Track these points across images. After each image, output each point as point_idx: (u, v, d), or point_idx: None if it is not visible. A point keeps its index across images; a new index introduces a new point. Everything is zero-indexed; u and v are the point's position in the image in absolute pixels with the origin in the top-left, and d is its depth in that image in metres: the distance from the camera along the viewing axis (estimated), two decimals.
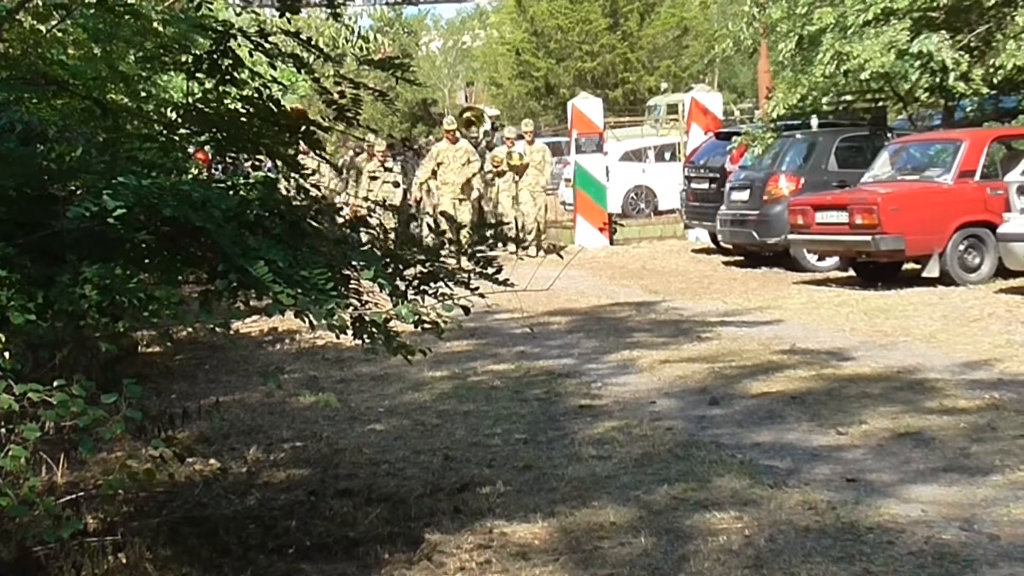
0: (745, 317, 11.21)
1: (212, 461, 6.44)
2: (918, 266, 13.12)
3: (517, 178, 20.13)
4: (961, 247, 12.91)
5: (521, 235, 18.26)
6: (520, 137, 21.19)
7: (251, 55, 5.50)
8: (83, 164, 4.40)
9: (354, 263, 4.44)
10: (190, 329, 4.26)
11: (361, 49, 22.56)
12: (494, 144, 22.57)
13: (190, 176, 5.13)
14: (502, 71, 47.78)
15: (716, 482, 5.59)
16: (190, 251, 4.32)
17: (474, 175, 19.65)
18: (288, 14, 5.63)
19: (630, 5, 43.24)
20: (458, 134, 20.04)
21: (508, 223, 19.04)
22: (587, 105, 21.55)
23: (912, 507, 5.07)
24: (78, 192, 4.10)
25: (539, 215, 20.17)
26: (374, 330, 4.30)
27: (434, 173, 19.28)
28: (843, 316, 11.01)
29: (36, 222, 4.07)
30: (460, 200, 18.97)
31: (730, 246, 17.43)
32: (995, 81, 16.07)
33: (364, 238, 4.84)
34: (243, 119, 5.24)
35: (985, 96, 16.79)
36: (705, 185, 18.49)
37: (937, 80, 16.18)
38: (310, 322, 4.02)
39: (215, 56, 5.14)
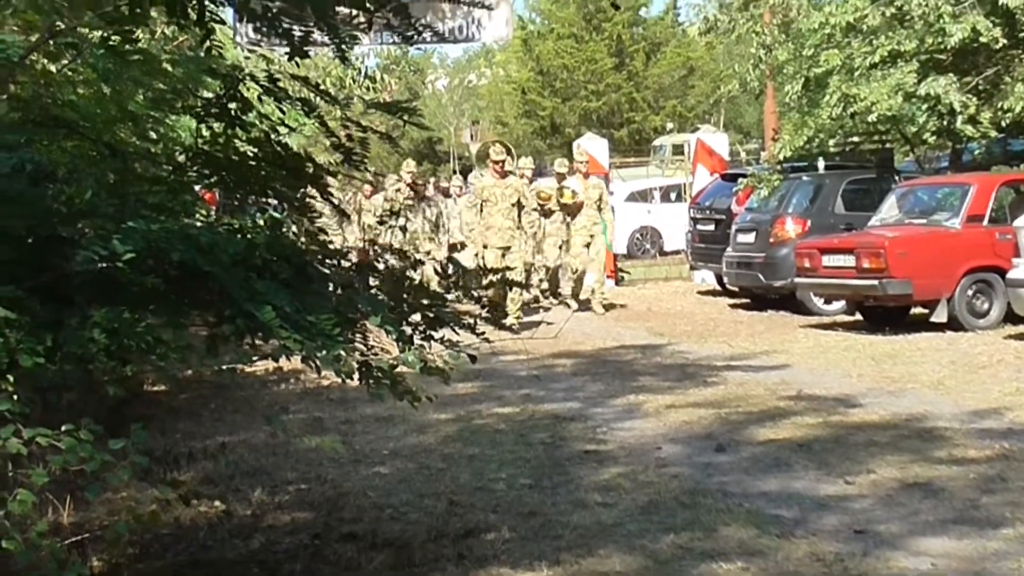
0: (751, 361, 11.17)
1: (217, 503, 6.40)
2: (926, 310, 13.08)
3: (569, 219, 16.77)
4: (969, 292, 12.87)
5: (573, 290, 16.76)
6: (569, 173, 17.65)
7: (260, 100, 5.52)
8: (93, 207, 4.40)
9: (361, 308, 4.43)
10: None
11: (368, 89, 22.71)
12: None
13: (198, 219, 5.14)
14: (508, 110, 47.95)
15: (722, 531, 5.54)
16: (197, 294, 4.31)
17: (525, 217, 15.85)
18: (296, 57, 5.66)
19: (636, 45, 43.43)
20: (508, 166, 15.74)
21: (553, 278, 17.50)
22: (593, 145, 21.58)
23: (922, 560, 5.02)
24: (87, 234, 4.10)
25: (598, 265, 16.59)
26: (380, 375, 4.29)
27: (478, 213, 15.17)
28: (850, 361, 10.97)
29: (45, 264, 4.07)
30: (509, 249, 14.75)
31: (736, 288, 17.40)
32: (1003, 124, 16.10)
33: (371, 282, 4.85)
34: (251, 162, 5.24)
35: (993, 139, 16.81)
36: (711, 227, 18.48)
37: (944, 123, 16.21)
38: (316, 367, 4.00)
39: (224, 100, 5.15)
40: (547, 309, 17.00)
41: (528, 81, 44.80)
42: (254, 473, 7.13)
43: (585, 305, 16.52)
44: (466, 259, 14.93)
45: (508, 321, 13.21)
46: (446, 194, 19.76)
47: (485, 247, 14.69)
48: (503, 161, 15.32)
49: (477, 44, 39.98)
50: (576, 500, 6.26)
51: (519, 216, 15.01)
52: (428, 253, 13.50)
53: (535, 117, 44.35)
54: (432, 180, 18.22)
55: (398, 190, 17.40)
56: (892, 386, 9.42)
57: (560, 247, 17.20)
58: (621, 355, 12.13)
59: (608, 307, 16.48)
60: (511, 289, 14.98)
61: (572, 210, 16.56)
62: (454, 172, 20.11)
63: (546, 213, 17.01)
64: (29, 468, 3.65)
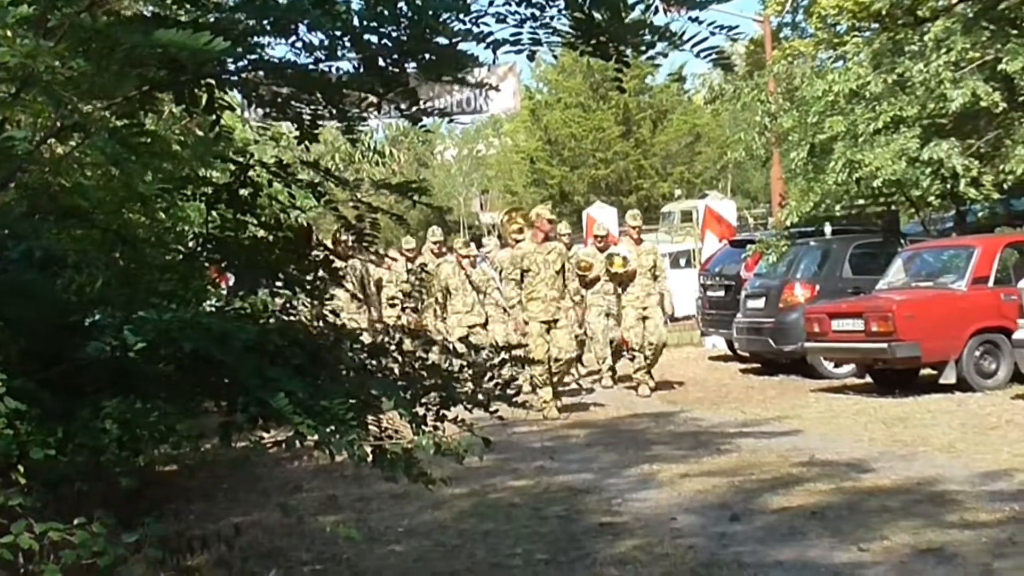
0: (763, 428, 11.18)
1: None
2: (935, 372, 13.11)
3: (620, 290, 14.96)
4: (977, 353, 12.93)
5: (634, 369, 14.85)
6: (607, 234, 16.27)
7: (270, 183, 5.62)
8: (103, 296, 4.47)
9: (374, 391, 4.49)
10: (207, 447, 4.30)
11: (376, 163, 22.84)
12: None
13: (210, 304, 5.21)
14: (517, 179, 48.20)
15: None
16: (210, 381, 4.38)
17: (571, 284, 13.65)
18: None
19: (642, 113, 43.76)
20: (550, 229, 13.47)
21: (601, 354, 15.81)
22: (601, 213, 21.71)
23: None
24: (98, 322, 4.16)
25: (657, 338, 14.67)
26: (394, 458, 4.34)
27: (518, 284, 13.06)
28: (861, 425, 10.97)
29: (56, 354, 4.13)
30: (555, 323, 12.96)
31: (747, 354, 17.43)
32: (1005, 186, 16.22)
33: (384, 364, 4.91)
34: (262, 247, 5.33)
35: (996, 201, 16.93)
36: (721, 293, 18.54)
37: (948, 186, 16.34)
38: (330, 451, 4.05)
39: (235, 186, 5.25)
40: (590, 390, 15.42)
41: (536, 150, 45.10)
42: (269, 554, 7.12)
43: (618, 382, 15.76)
44: (499, 335, 13.99)
45: (548, 412, 12.61)
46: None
47: (527, 322, 12.88)
48: (548, 221, 13.38)
49: (485, 115, 40.59)
50: (593, 575, 6.26)
51: (564, 285, 13.16)
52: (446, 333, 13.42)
53: (544, 186, 44.58)
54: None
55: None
56: (903, 449, 9.42)
57: (608, 316, 15.56)
58: (634, 424, 12.13)
59: (620, 377, 16.29)
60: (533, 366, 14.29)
61: (624, 280, 14.75)
62: (470, 241, 18.18)
63: (588, 283, 14.93)
64: (42, 564, 3.67)
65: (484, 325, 15.04)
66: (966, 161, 16.02)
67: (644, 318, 14.52)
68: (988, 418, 10.81)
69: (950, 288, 13.52)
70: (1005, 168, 15.78)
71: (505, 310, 14.66)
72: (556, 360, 12.86)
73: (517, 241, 13.92)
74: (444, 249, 15.99)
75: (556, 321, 12.87)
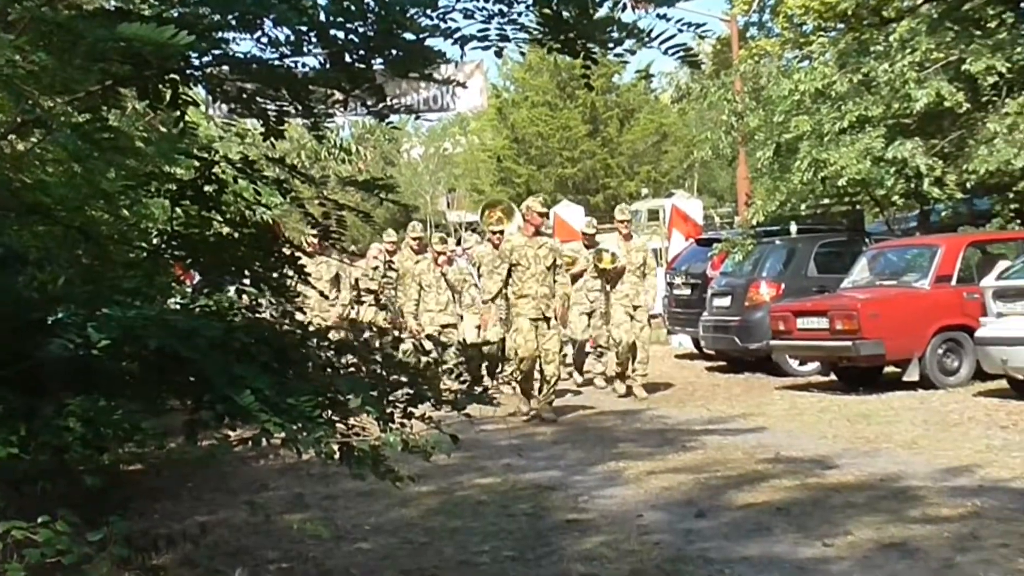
0: (729, 425, 11.24)
1: None
2: (898, 370, 13.22)
3: (608, 288, 14.43)
4: (940, 351, 13.07)
5: (620, 369, 14.36)
6: (595, 232, 15.63)
7: (235, 180, 5.58)
8: (66, 293, 4.43)
9: (341, 389, 4.47)
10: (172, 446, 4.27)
11: (342, 160, 22.76)
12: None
13: (175, 301, 5.17)
14: (483, 177, 48.15)
15: None
16: (175, 379, 4.35)
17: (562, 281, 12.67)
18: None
19: (609, 112, 43.83)
20: (540, 222, 12.77)
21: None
22: (568, 212, 21.71)
23: None
24: (61, 319, 4.12)
25: (640, 341, 14.12)
26: (361, 455, 4.33)
27: (506, 282, 12.43)
28: (826, 422, 11.05)
29: (18, 353, 4.08)
30: (543, 321, 12.27)
31: (713, 352, 17.50)
32: (968, 185, 16.36)
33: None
34: (227, 243, 5.30)
35: (959, 200, 17.06)
36: (687, 291, 18.61)
37: (912, 185, 16.47)
38: (297, 449, 4.03)
39: (199, 183, 5.22)
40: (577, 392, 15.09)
41: (503, 149, 45.09)
42: (235, 553, 7.08)
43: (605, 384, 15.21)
44: (470, 335, 13.94)
45: (546, 414, 12.24)
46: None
47: (516, 317, 12.33)
48: (540, 214, 12.64)
49: (452, 113, 40.52)
50: (560, 572, 6.26)
51: (555, 282, 12.46)
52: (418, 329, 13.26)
53: (511, 184, 44.56)
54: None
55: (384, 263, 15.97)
56: (867, 446, 9.50)
57: (590, 316, 15.19)
58: (601, 421, 12.16)
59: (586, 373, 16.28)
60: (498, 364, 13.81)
61: (612, 277, 14.25)
62: (447, 237, 17.48)
63: (572, 279, 13.91)
64: (5, 563, 3.63)
65: (456, 326, 14.80)
66: (930, 161, 16.15)
67: (632, 316, 14.05)
68: (950, 415, 10.92)
69: (914, 287, 13.63)
70: (968, 168, 15.91)
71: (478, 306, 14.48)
72: (546, 362, 12.25)
73: (495, 233, 13.95)
74: (424, 245, 15.76)
75: (548, 320, 12.28)
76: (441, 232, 16.56)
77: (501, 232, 14.19)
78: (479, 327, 14.15)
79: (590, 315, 15.15)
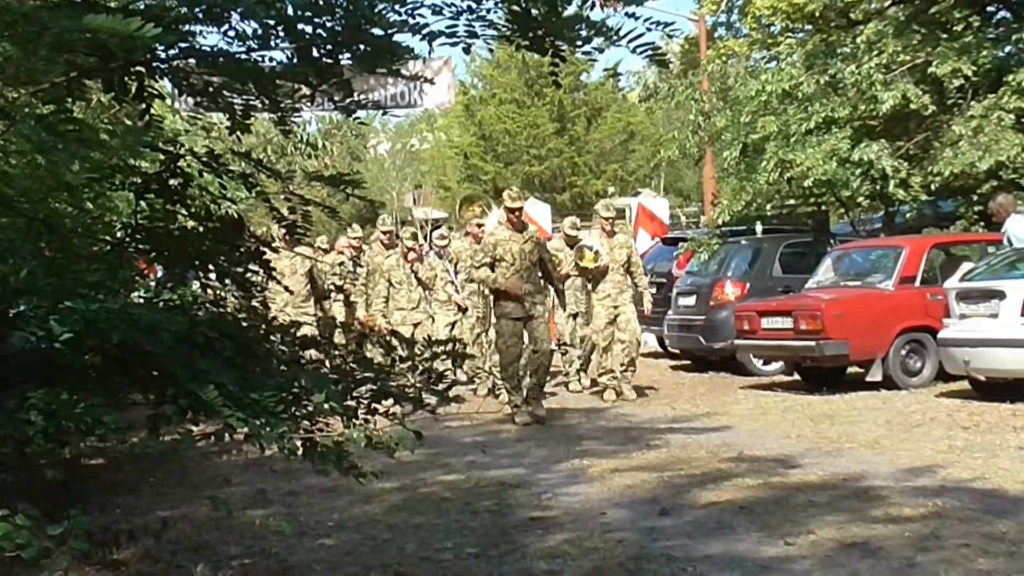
0: (693, 423, 11.28)
1: None
2: (862, 370, 13.30)
3: (590, 287, 13.92)
4: (903, 352, 13.16)
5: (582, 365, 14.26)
6: (578, 231, 15.22)
7: (200, 174, 5.55)
8: (29, 285, 4.40)
9: (305, 384, 4.46)
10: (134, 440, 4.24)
11: (309, 155, 22.66)
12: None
13: (138, 295, 5.14)
14: (450, 174, 48.11)
15: None
16: (138, 373, 4.32)
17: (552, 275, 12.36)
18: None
19: (577, 110, 43.90)
20: (526, 215, 12.39)
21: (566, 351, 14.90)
22: (535, 210, 21.70)
23: None
24: (24, 312, 4.09)
25: (633, 346, 13.74)
26: (325, 451, 4.31)
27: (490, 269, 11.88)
28: (789, 422, 11.10)
29: None
30: (529, 320, 11.80)
31: (677, 351, 17.55)
32: (933, 187, 16.47)
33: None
34: (192, 237, 5.27)
35: (924, 202, 17.18)
36: (652, 290, 18.63)
37: (877, 187, 16.57)
38: (260, 444, 4.01)
39: (164, 176, 5.19)
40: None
41: (470, 146, 45.06)
42: (197, 548, 7.05)
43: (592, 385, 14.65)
44: (443, 332, 13.65)
45: (519, 418, 11.72)
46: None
47: (499, 317, 11.95)
48: (519, 209, 12.11)
49: (419, 109, 40.50)
50: (523, 569, 6.26)
51: (541, 278, 12.00)
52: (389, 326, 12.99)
53: (477, 181, 44.56)
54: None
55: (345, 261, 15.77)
56: (830, 446, 9.55)
57: (575, 317, 14.65)
58: (565, 419, 12.17)
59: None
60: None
61: (595, 275, 13.66)
62: (418, 233, 16.33)
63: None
64: None
65: (428, 323, 14.35)
66: (895, 162, 16.25)
67: (616, 316, 13.59)
68: (913, 415, 11.00)
69: (878, 288, 13.72)
70: (933, 170, 16.02)
71: (459, 306, 14.35)
72: (535, 351, 11.83)
73: (479, 226, 13.76)
74: (394, 240, 14.98)
75: (532, 318, 11.78)
76: (412, 228, 15.92)
77: (482, 226, 13.99)
78: (452, 324, 14.12)
79: (575, 316, 14.72)
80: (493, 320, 12.36)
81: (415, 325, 13.80)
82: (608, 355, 13.66)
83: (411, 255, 14.34)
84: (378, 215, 17.14)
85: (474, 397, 13.54)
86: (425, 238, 18.11)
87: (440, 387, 5.03)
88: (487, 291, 12.08)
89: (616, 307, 13.59)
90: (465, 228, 14.41)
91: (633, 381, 14.01)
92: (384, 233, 14.75)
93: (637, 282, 13.87)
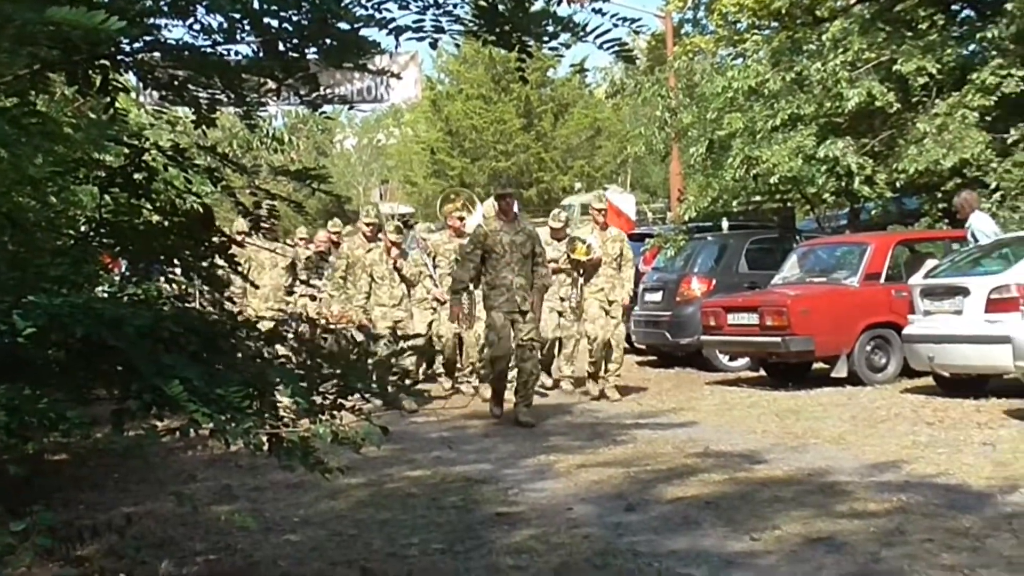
0: (659, 419, 11.30)
1: None
2: (827, 366, 13.37)
3: (582, 281, 13.44)
4: (868, 348, 13.25)
5: (592, 369, 13.44)
6: (563, 225, 14.38)
7: (165, 168, 5.52)
8: None
9: (271, 379, 4.44)
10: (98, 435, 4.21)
11: (275, 150, 22.52)
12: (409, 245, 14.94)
13: (103, 290, 5.11)
14: (417, 169, 48.06)
15: None
16: (102, 368, 4.29)
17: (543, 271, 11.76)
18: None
19: (544, 106, 43.90)
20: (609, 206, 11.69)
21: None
22: (620, 200, 21.60)
23: None
24: None
25: (615, 339, 13.34)
26: (291, 447, 4.30)
27: (478, 271, 11.48)
28: (755, 417, 11.15)
29: None
30: (519, 315, 11.34)
31: (644, 346, 17.59)
32: (898, 184, 16.59)
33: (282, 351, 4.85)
34: (157, 232, 5.24)
35: (889, 199, 17.30)
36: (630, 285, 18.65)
37: (843, 183, 16.68)
38: (225, 440, 3.99)
39: (129, 170, 5.15)
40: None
41: (437, 141, 44.99)
42: (161, 545, 7.01)
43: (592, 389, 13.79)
44: (421, 329, 13.13)
45: (523, 417, 11.28)
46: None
47: (489, 311, 11.44)
48: (509, 198, 11.72)
49: (386, 105, 40.38)
50: (489, 564, 6.26)
51: (533, 272, 11.47)
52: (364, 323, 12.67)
53: (444, 177, 44.46)
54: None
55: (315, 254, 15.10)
56: (795, 441, 9.59)
57: (561, 314, 14.09)
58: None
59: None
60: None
61: (587, 269, 13.21)
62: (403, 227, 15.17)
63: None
64: None
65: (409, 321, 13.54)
66: (860, 159, 16.37)
67: (606, 311, 13.15)
68: (877, 411, 11.07)
69: (843, 284, 13.79)
70: (898, 167, 16.15)
71: (437, 300, 13.73)
72: (521, 347, 11.36)
73: (460, 220, 13.45)
74: (377, 232, 13.95)
75: (524, 313, 11.29)
76: (395, 222, 15.19)
77: (463, 219, 13.62)
78: (431, 323, 13.71)
79: (560, 313, 14.13)
80: (481, 314, 12.04)
81: (396, 322, 12.93)
82: (591, 352, 13.30)
83: (393, 252, 13.58)
84: (344, 211, 16.98)
85: (444, 392, 13.54)
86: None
87: (406, 383, 5.02)
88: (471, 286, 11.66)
89: (611, 303, 13.17)
90: (446, 221, 14.02)
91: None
92: (368, 225, 13.83)
93: (623, 275, 13.32)
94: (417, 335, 9.13)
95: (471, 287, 11.72)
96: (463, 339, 13.76)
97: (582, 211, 32.97)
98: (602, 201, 14.14)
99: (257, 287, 11.38)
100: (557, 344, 14.54)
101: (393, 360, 5.06)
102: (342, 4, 4.63)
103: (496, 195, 11.85)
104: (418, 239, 15.27)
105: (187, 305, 4.94)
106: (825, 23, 18.65)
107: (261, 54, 4.96)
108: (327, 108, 5.83)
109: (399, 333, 6.41)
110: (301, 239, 15.94)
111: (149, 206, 5.27)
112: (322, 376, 4.73)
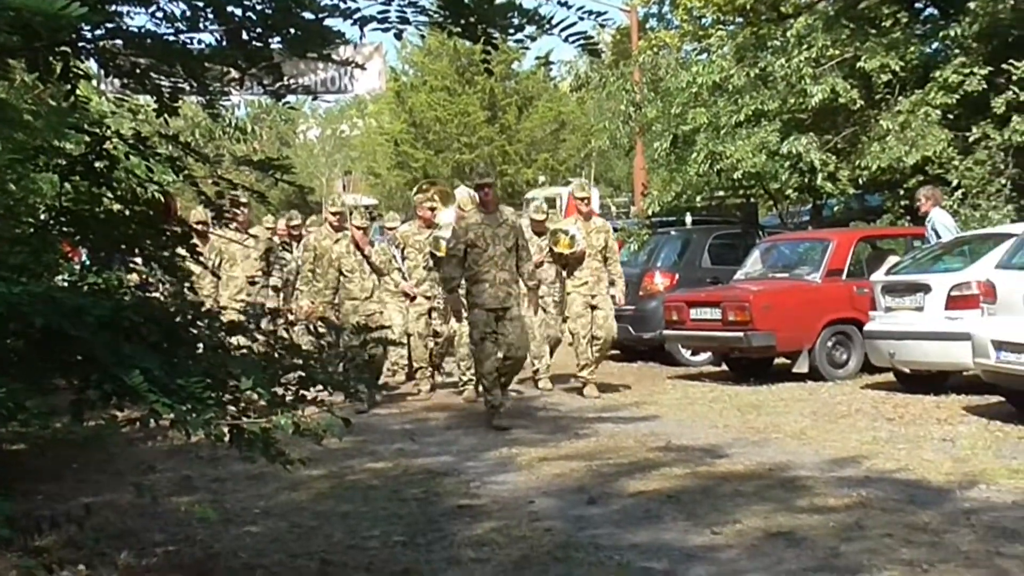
0: (622, 413, 11.32)
1: (82, 568, 6.24)
2: (788, 361, 13.44)
3: (565, 275, 12.87)
4: (829, 343, 13.32)
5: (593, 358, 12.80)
6: (545, 218, 13.66)
7: (127, 156, 5.47)
8: None
9: (232, 370, 4.41)
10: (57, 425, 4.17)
11: (238, 140, 22.40)
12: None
13: (63, 279, 5.06)
14: (380, 161, 47.94)
15: None
16: (62, 358, 4.25)
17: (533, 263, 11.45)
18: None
19: (508, 99, 43.86)
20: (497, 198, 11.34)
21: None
22: (466, 198, 21.58)
23: None
24: None
25: (607, 340, 12.88)
26: (252, 438, 4.27)
27: (461, 263, 10.83)
28: (717, 412, 11.20)
29: None
30: (507, 311, 10.75)
31: None
32: (860, 181, 16.71)
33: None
34: (118, 220, 5.19)
35: (851, 195, 17.42)
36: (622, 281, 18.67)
37: (806, 180, 16.78)
38: (186, 430, 3.96)
39: (90, 158, 5.11)
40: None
41: (401, 133, 44.87)
42: (120, 536, 6.96)
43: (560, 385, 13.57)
44: (396, 324, 12.69)
45: (497, 422, 10.70)
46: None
47: (474, 307, 10.83)
48: (491, 185, 11.16)
49: (350, 95, 40.25)
50: (450, 557, 6.25)
51: (517, 266, 10.90)
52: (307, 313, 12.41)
53: (408, 168, 44.37)
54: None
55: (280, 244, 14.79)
56: (756, 436, 9.64)
57: (544, 310, 13.29)
58: None
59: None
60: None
61: (571, 262, 12.61)
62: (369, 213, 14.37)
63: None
64: None
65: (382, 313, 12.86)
66: (824, 156, 16.47)
67: (592, 307, 12.62)
68: (838, 407, 11.14)
69: (805, 280, 13.86)
70: (861, 164, 16.26)
71: (406, 295, 13.23)
72: (507, 359, 10.83)
73: (431, 210, 13.04)
74: (344, 222, 13.21)
75: (507, 310, 10.75)
76: (360, 208, 14.65)
77: (434, 209, 13.20)
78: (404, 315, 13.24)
79: (544, 309, 13.35)
80: (464, 312, 11.45)
81: (368, 316, 12.09)
82: (579, 348, 12.87)
83: (361, 237, 12.74)
84: (307, 201, 16.93)
85: (402, 386, 13.52)
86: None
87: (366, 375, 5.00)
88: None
89: (594, 296, 12.61)
90: (416, 211, 13.60)
91: (560, 371, 14.00)
92: (334, 215, 13.12)
93: (611, 270, 12.77)
94: (384, 326, 9.03)
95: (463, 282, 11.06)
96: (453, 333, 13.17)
97: (546, 205, 33.03)
98: (584, 190, 13.41)
99: (219, 277, 11.26)
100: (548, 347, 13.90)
101: (355, 352, 5.04)
102: None
103: (475, 185, 11.45)
104: (385, 229, 15.14)
105: (148, 295, 4.90)
106: (790, 19, 18.74)
107: (224, 43, 4.93)
108: (290, 98, 5.81)
109: (370, 325, 6.35)
110: (269, 228, 15.79)
111: (110, 195, 5.23)
112: (284, 367, 4.70)
